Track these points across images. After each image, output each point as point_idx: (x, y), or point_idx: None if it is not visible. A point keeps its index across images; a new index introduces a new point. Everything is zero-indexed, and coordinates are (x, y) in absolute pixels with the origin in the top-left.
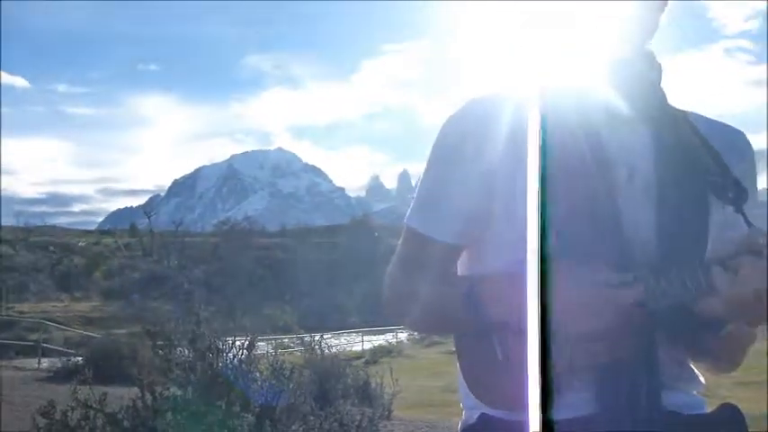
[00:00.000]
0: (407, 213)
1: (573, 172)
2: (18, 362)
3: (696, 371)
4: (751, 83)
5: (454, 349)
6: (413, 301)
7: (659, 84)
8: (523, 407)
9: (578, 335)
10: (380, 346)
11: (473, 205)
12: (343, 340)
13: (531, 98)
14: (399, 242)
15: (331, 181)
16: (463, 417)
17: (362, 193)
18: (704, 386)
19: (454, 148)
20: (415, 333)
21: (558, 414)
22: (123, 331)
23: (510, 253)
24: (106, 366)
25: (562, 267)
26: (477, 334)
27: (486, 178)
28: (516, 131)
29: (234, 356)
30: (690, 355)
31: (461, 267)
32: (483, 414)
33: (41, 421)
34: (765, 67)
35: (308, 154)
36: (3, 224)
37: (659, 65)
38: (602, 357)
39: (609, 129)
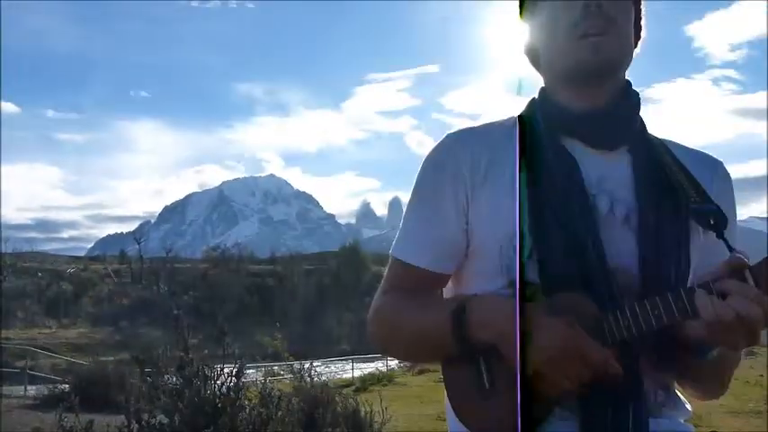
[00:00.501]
0: (393, 244)
1: (553, 202)
2: (5, 389)
3: (683, 398)
4: (736, 112)
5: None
6: (396, 331)
7: (638, 113)
8: None
9: (560, 362)
10: (370, 374)
11: (454, 235)
12: (332, 368)
13: (508, 130)
14: (385, 272)
15: (321, 207)
16: None
17: (353, 220)
18: (691, 414)
19: (434, 182)
20: (405, 363)
21: None
22: (111, 358)
23: (493, 281)
24: (93, 394)
25: (544, 296)
26: (463, 361)
27: (465, 208)
28: (495, 162)
29: (222, 384)
30: (676, 381)
31: (447, 294)
32: None
33: None
34: (753, 96)
35: (299, 180)
36: None
37: (637, 94)
38: (586, 384)
39: (588, 159)
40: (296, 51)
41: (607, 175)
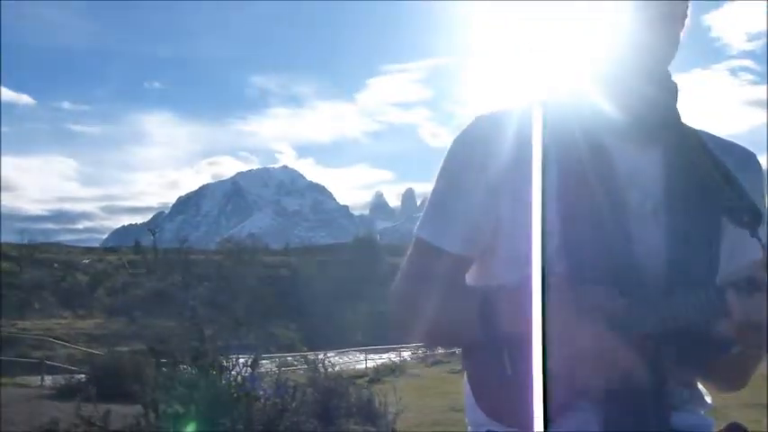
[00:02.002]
0: (417, 225)
1: (583, 194)
2: (21, 379)
3: (703, 391)
4: (754, 103)
5: (459, 368)
6: (421, 313)
7: (674, 105)
8: (529, 424)
9: (583, 359)
10: (384, 365)
11: (481, 217)
12: (346, 358)
13: (539, 117)
14: (407, 255)
15: (335, 199)
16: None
17: (366, 212)
18: (712, 407)
19: (463, 163)
20: (422, 348)
21: None
22: (126, 349)
23: (518, 268)
24: (109, 384)
25: (570, 288)
26: (486, 348)
27: (494, 192)
28: (524, 148)
29: (237, 374)
30: (698, 376)
31: (470, 280)
32: (489, 431)
33: None
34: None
35: (313, 172)
36: (7, 241)
37: (675, 85)
38: (610, 378)
39: (620, 151)
40: (310, 43)
41: (639, 168)
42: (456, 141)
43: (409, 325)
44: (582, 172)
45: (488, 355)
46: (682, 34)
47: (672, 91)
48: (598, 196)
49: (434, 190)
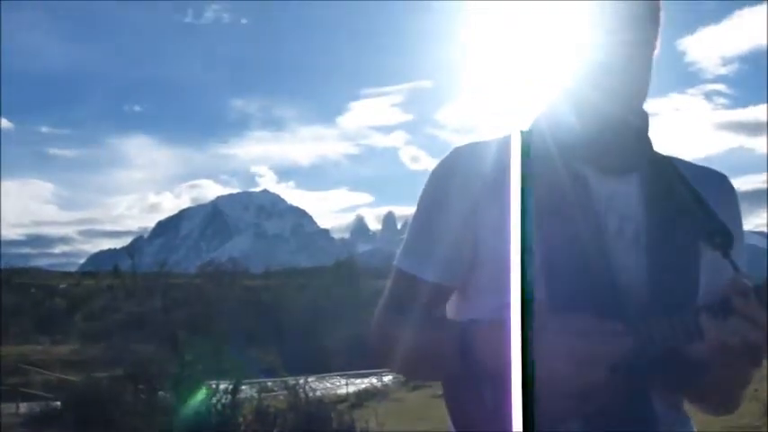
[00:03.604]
0: (397, 256)
1: (561, 221)
2: None
3: (688, 415)
4: (728, 126)
5: (441, 393)
6: (400, 344)
7: (646, 132)
8: None
9: (567, 385)
10: (365, 390)
11: (460, 247)
12: (327, 383)
13: (516, 147)
14: (387, 285)
15: (315, 222)
16: None
17: (347, 235)
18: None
19: (441, 194)
20: (402, 377)
21: None
22: (104, 374)
23: (498, 297)
24: (86, 411)
25: (550, 316)
26: (466, 380)
27: (473, 222)
28: (501, 178)
29: (218, 401)
30: (683, 400)
31: (450, 310)
32: None
33: None
34: (744, 111)
35: (293, 195)
36: None
37: (646, 114)
38: (593, 408)
39: (597, 178)
40: (290, 66)
41: (616, 194)
42: (434, 173)
43: (388, 356)
44: (560, 200)
45: (469, 387)
46: (653, 59)
47: (644, 117)
48: (577, 223)
49: (413, 220)
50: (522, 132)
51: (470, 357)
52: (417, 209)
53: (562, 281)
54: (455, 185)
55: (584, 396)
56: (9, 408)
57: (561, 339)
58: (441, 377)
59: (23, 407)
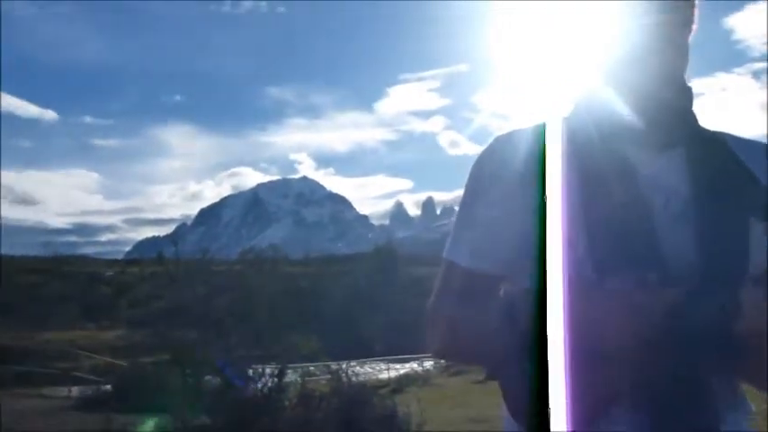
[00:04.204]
0: (446, 247)
1: (606, 201)
2: (48, 390)
3: (745, 395)
4: None
5: (481, 378)
6: (454, 332)
7: (690, 108)
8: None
9: (618, 355)
10: (406, 375)
11: (508, 235)
12: (368, 368)
13: (558, 130)
14: (438, 276)
15: (354, 209)
16: None
17: (386, 221)
18: (753, 410)
19: (483, 183)
20: (447, 363)
21: None
22: (150, 359)
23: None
24: (135, 395)
25: (599, 293)
26: (518, 360)
27: (518, 208)
28: (544, 162)
29: (264, 385)
30: (741, 378)
31: (502, 294)
32: None
33: None
34: None
35: (332, 182)
36: (32, 255)
37: (690, 89)
38: (644, 380)
39: (641, 156)
40: (327, 53)
41: (661, 171)
42: (477, 162)
43: (444, 345)
44: (605, 180)
45: (519, 365)
46: (689, 39)
47: (687, 94)
48: (622, 202)
49: (459, 210)
50: (561, 115)
51: (521, 334)
52: (463, 199)
53: (609, 259)
54: (497, 174)
55: (634, 372)
56: (61, 391)
57: (610, 313)
58: (493, 360)
59: (74, 390)
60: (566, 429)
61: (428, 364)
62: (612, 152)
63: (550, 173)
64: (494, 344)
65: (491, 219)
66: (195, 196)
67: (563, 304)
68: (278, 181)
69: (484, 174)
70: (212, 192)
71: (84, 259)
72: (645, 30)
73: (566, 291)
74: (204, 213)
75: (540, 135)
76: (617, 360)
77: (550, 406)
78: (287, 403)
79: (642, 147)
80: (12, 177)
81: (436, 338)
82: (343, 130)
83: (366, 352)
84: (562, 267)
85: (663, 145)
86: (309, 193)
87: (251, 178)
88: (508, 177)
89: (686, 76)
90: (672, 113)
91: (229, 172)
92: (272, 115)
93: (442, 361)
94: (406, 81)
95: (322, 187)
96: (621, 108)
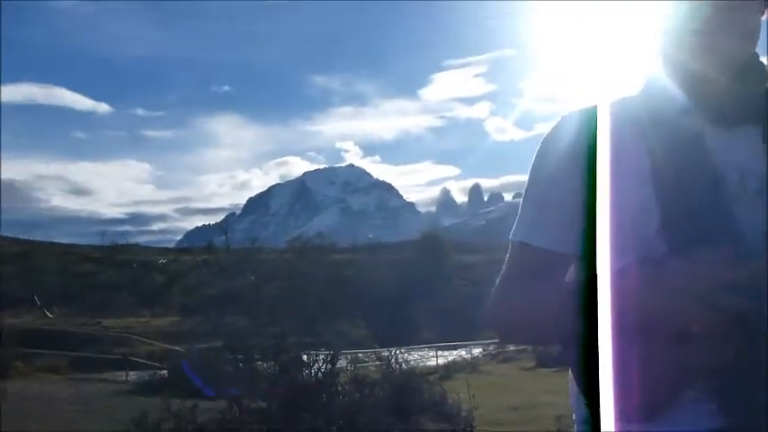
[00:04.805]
0: (513, 228)
1: (680, 177)
2: (107, 375)
3: None
4: None
5: (531, 365)
6: (522, 313)
7: (764, 85)
8: (641, 418)
9: (694, 336)
10: (454, 362)
11: (576, 214)
12: (416, 355)
13: (626, 107)
14: (506, 257)
15: (401, 196)
16: (575, 429)
17: (432, 208)
18: None
19: (550, 163)
20: (492, 345)
21: (680, 426)
22: (203, 345)
23: (617, 259)
24: (191, 379)
25: (674, 270)
26: (591, 342)
27: (587, 188)
28: (612, 141)
29: (318, 370)
30: None
31: (571, 276)
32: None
33: (135, 431)
34: None
35: (378, 170)
36: (88, 244)
37: (763, 65)
38: (719, 363)
39: (713, 133)
40: (372, 41)
41: (735, 148)
42: (543, 142)
43: (511, 326)
44: (677, 157)
45: (590, 348)
46: (763, 18)
47: (760, 71)
48: (695, 178)
49: (526, 191)
50: (629, 94)
51: (592, 314)
52: (529, 179)
53: (683, 237)
54: (564, 153)
55: (712, 352)
56: (120, 376)
57: (686, 291)
58: (563, 340)
59: (132, 375)
60: (638, 414)
61: (476, 351)
62: (684, 129)
63: (618, 151)
64: (567, 325)
65: (560, 198)
66: (243, 185)
67: (633, 284)
68: (325, 169)
69: (551, 153)
70: (260, 181)
71: (138, 248)
72: (717, 7)
73: (636, 270)
74: (252, 202)
75: (606, 114)
76: (693, 340)
77: (621, 391)
78: (340, 389)
79: (715, 124)
80: (67, 169)
81: (505, 320)
82: (389, 118)
83: (413, 339)
84: (633, 246)
85: (735, 122)
86: (356, 180)
87: (298, 167)
88: (576, 156)
89: (758, 53)
90: (744, 90)
91: (277, 161)
92: (319, 104)
93: (512, 344)
94: (450, 67)
95: (368, 175)
96: (692, 85)
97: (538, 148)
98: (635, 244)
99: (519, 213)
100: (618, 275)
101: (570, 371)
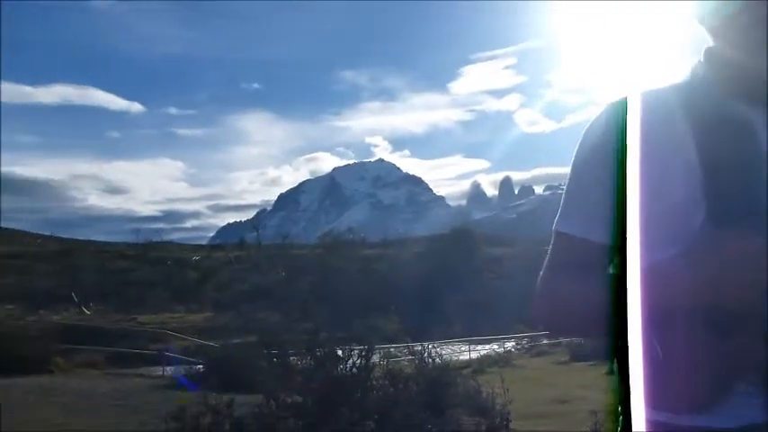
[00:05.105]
0: (557, 219)
1: (728, 166)
2: (143, 370)
3: None
4: None
5: (566, 359)
6: (567, 305)
7: None
8: (691, 411)
9: (746, 329)
10: (487, 356)
11: (623, 205)
12: (448, 349)
13: (671, 95)
14: (549, 249)
15: (431, 190)
16: (621, 421)
17: (463, 202)
18: None
19: (594, 153)
20: (526, 339)
21: (730, 419)
22: (237, 341)
23: (661, 250)
24: (226, 374)
25: (724, 257)
26: (639, 332)
27: (633, 177)
28: (657, 130)
29: (353, 365)
30: None
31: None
32: (654, 420)
33: (173, 425)
34: None
35: (408, 164)
36: (124, 241)
37: None
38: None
39: (763, 124)
40: (399, 36)
41: None
42: (587, 131)
43: (556, 318)
44: (726, 148)
45: (641, 339)
46: None
47: None
48: (746, 169)
49: (569, 182)
50: (679, 82)
51: (643, 307)
52: (572, 170)
53: (731, 228)
54: (606, 143)
55: (759, 342)
56: (156, 370)
57: (738, 278)
58: (609, 332)
59: (168, 370)
60: (688, 407)
61: (509, 344)
62: (733, 120)
63: (662, 142)
64: (608, 317)
65: (602, 188)
66: (274, 182)
67: (682, 274)
68: (354, 165)
69: (593, 143)
70: (290, 177)
71: (171, 245)
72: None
73: (686, 259)
74: (283, 198)
75: (649, 104)
76: (746, 333)
77: (669, 383)
78: (374, 383)
79: (763, 114)
80: (102, 168)
81: (550, 312)
82: (418, 112)
83: (445, 333)
84: (679, 237)
85: None
86: (386, 175)
87: (328, 163)
88: (618, 146)
89: None
90: None
91: (306, 157)
92: (348, 100)
93: (560, 336)
94: (479, 60)
95: (398, 169)
96: (739, 76)
97: (582, 138)
98: (681, 234)
99: (561, 203)
100: (664, 265)
101: (616, 363)
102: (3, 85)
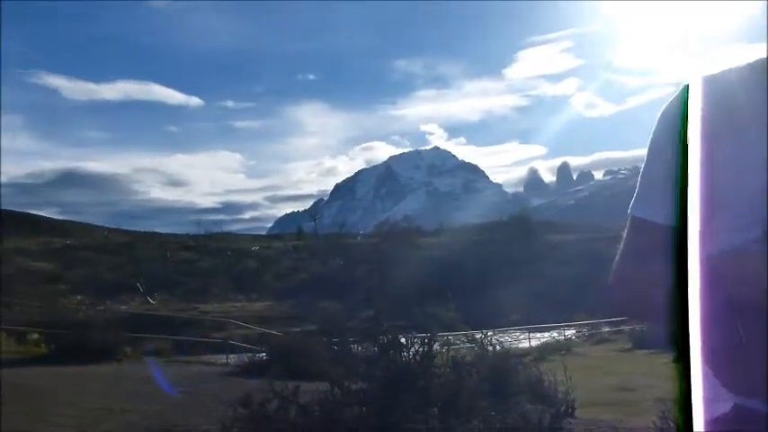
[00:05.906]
0: (631, 203)
1: None
2: (207, 358)
3: None
4: None
5: (628, 347)
6: (644, 291)
7: None
8: (763, 394)
9: None
10: (547, 344)
11: (697, 189)
12: (508, 337)
13: (752, 76)
14: (624, 235)
15: (487, 177)
16: (702, 407)
17: (520, 189)
18: None
19: (671, 136)
20: (586, 327)
21: None
22: (298, 329)
23: (741, 234)
24: (290, 362)
25: None
26: (717, 317)
27: (708, 162)
28: (738, 112)
29: (416, 352)
30: None
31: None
32: (735, 405)
33: (241, 411)
34: None
35: (464, 151)
36: (185, 233)
37: None
38: None
39: None
40: (452, 22)
41: None
42: (662, 115)
43: (633, 304)
44: None
45: (720, 324)
46: None
47: None
48: None
49: (645, 165)
50: (762, 61)
51: (721, 292)
52: (648, 153)
53: None
54: (685, 123)
55: None
56: (220, 359)
57: None
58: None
59: (232, 358)
60: (760, 390)
61: (569, 332)
62: None
63: (744, 124)
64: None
65: (674, 172)
66: (330, 172)
67: (762, 258)
68: (410, 153)
69: (671, 124)
70: (346, 166)
71: (231, 236)
72: None
73: (760, 245)
74: (339, 188)
75: (734, 79)
76: None
77: (758, 366)
78: (437, 371)
79: None
80: (163, 162)
81: (626, 299)
82: (473, 99)
83: (503, 321)
84: (754, 223)
85: None
86: (441, 163)
87: (383, 151)
88: (698, 127)
89: None
90: None
91: (362, 146)
92: (402, 88)
93: (640, 324)
94: (534, 44)
95: (454, 157)
96: None
97: (658, 120)
98: (760, 220)
99: (637, 187)
100: (744, 249)
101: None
102: (73, 83)
